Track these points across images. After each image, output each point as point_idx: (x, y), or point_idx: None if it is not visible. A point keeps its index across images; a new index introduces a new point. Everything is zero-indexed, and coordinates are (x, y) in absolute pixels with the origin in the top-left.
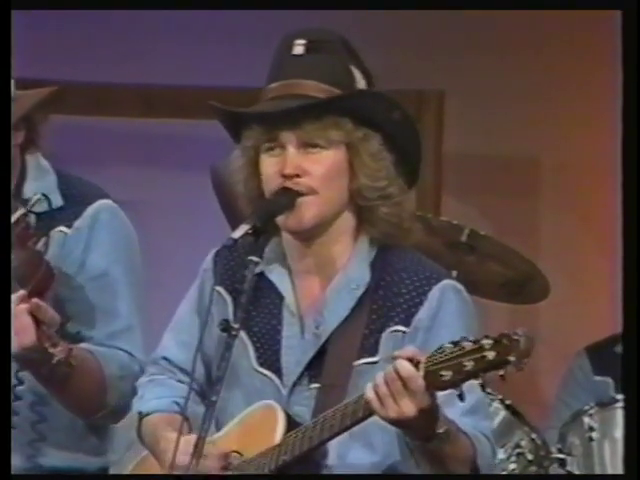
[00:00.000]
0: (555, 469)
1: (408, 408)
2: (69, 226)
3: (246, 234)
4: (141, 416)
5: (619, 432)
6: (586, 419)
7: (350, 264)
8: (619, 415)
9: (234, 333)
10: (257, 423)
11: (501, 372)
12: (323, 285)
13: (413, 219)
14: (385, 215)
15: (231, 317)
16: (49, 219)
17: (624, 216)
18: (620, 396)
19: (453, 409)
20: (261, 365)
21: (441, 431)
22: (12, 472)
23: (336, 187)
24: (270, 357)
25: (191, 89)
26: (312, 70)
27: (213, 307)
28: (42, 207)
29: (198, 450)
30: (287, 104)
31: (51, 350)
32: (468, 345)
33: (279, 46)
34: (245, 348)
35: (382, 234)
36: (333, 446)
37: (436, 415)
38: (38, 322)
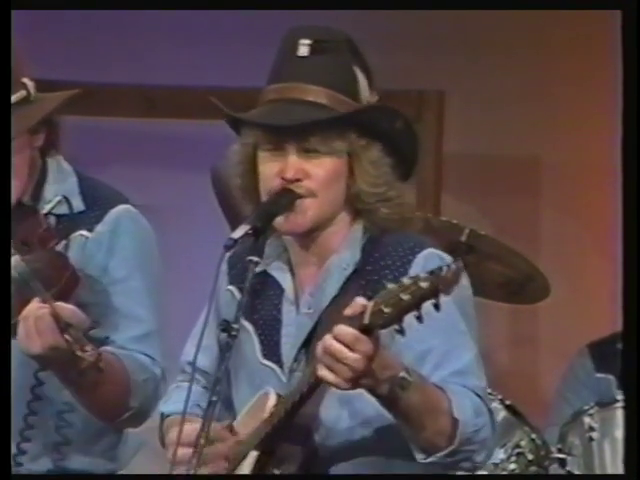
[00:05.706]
0: (555, 469)
1: (357, 363)
2: (90, 230)
3: (246, 234)
4: (163, 417)
5: (619, 432)
6: (586, 419)
7: (343, 247)
8: (619, 415)
9: (234, 333)
10: (253, 409)
11: (434, 301)
12: (320, 271)
13: (413, 210)
14: (386, 215)
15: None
16: (69, 222)
17: (624, 216)
18: (621, 395)
19: (442, 370)
20: (265, 357)
21: (401, 375)
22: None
23: (334, 190)
24: (272, 348)
25: (193, 89)
26: (316, 74)
27: (226, 307)
28: (62, 210)
29: (199, 449)
30: (293, 113)
31: (79, 353)
32: (407, 281)
33: (283, 44)
34: (252, 343)
35: (383, 229)
36: (323, 413)
37: (386, 360)
38: (66, 325)
